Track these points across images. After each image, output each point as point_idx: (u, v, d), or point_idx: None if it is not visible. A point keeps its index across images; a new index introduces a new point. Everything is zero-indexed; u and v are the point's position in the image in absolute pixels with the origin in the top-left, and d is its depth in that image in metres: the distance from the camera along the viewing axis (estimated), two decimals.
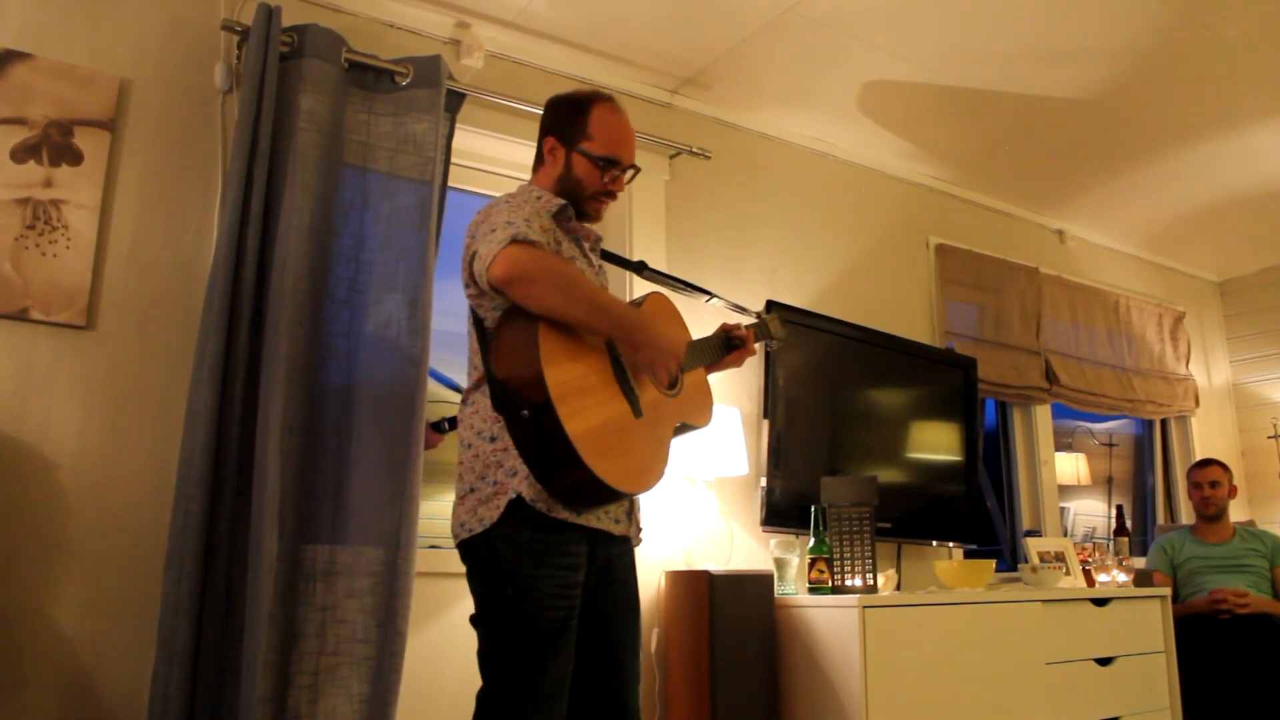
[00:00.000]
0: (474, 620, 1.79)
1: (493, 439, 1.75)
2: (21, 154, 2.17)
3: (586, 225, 1.99)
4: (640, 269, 2.16)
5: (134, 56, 2.34)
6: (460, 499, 1.80)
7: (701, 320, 2.43)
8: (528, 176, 2.88)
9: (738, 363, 2.16)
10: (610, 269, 2.12)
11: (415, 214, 2.44)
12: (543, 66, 2.99)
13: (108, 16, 2.33)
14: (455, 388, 2.86)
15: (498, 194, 2.89)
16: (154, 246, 2.30)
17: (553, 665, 1.71)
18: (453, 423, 2.64)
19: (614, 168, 1.93)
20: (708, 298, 2.26)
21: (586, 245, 1.98)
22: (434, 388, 2.82)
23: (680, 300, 2.16)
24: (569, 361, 1.70)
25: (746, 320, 2.31)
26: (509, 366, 1.69)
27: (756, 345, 2.21)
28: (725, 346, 2.13)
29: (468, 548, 1.78)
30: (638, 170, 1.99)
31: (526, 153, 2.86)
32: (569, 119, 1.95)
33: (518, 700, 1.69)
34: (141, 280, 2.28)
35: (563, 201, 1.90)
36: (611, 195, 1.96)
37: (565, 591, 1.74)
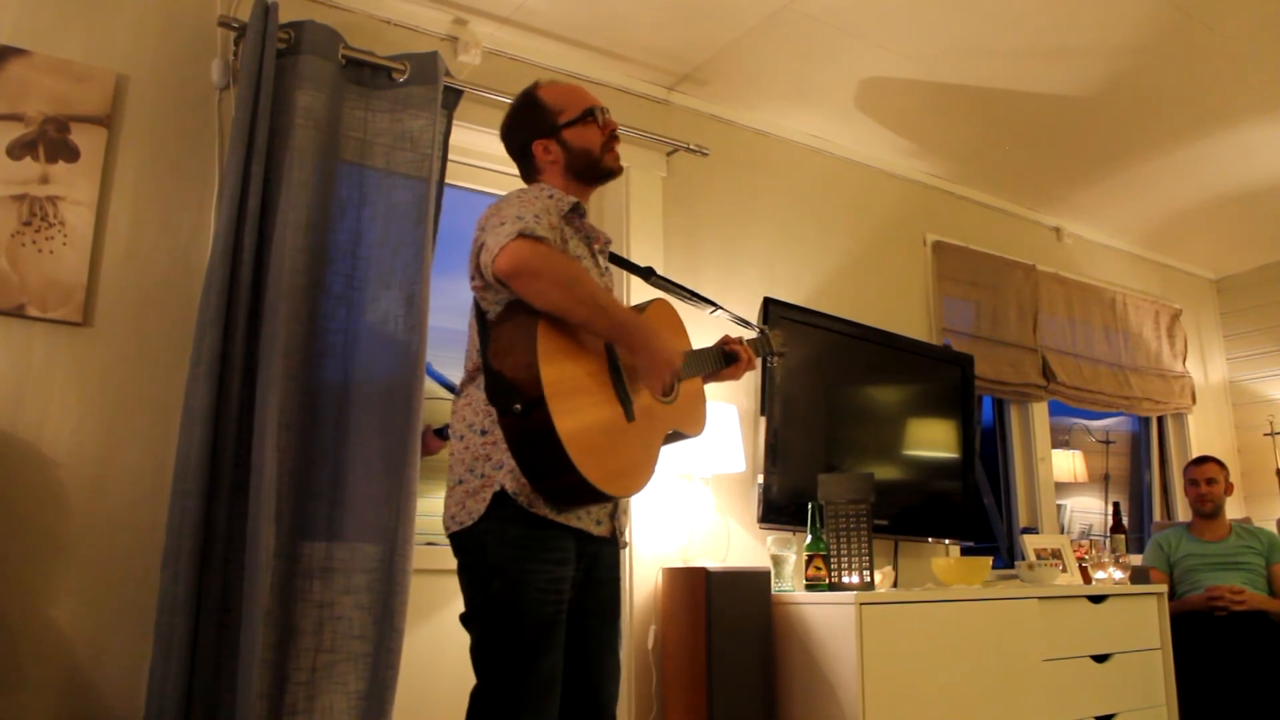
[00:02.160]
0: (464, 619, 1.79)
1: (483, 432, 1.76)
2: (18, 150, 2.16)
3: (596, 228, 2.00)
4: (648, 275, 2.17)
5: (131, 53, 2.34)
6: (450, 491, 1.81)
7: (706, 331, 2.41)
8: None
9: (734, 376, 2.17)
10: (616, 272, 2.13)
11: (412, 210, 2.44)
12: (540, 63, 2.98)
13: (104, 12, 2.32)
14: (452, 389, 2.85)
15: (494, 190, 2.93)
16: (150, 243, 2.30)
17: (544, 661, 1.71)
18: None
19: (594, 114, 1.98)
20: (713, 309, 2.27)
21: (596, 247, 2.00)
22: (433, 388, 2.81)
23: (683, 309, 2.16)
24: (566, 360, 1.71)
25: (749, 334, 2.30)
26: (506, 360, 1.70)
27: (757, 360, 2.22)
28: (723, 359, 2.14)
29: (457, 542, 1.79)
30: (605, 109, 2.03)
31: None
32: (532, 116, 1.99)
33: (510, 698, 1.69)
34: (138, 277, 2.27)
35: (574, 200, 1.92)
36: (615, 137, 2.01)
37: (554, 586, 1.74)
